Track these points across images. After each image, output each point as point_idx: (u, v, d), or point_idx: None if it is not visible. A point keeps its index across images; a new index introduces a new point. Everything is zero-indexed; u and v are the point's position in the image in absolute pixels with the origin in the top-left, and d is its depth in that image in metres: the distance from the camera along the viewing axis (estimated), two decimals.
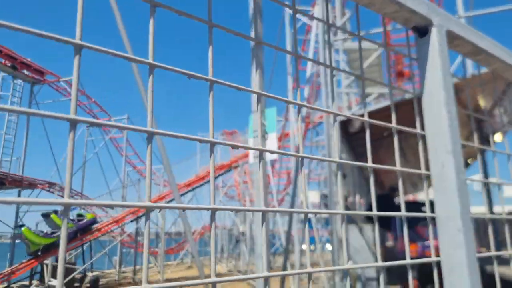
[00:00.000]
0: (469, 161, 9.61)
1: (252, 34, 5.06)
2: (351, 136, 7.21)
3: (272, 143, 4.73)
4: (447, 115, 0.84)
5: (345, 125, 6.86)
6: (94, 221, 14.12)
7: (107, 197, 18.73)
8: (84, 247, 14.85)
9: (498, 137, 6.96)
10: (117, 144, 19.45)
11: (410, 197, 14.75)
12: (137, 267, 17.22)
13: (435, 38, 0.88)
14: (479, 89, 6.93)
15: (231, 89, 0.62)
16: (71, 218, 13.40)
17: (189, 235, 4.19)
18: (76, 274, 13.41)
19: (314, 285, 11.05)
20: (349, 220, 6.31)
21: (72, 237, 13.38)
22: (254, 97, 5.00)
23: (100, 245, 17.34)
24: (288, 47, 9.69)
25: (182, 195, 19.06)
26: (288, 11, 9.82)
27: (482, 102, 7.01)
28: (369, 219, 8.38)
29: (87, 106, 17.79)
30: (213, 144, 0.56)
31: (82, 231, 13.60)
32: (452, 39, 0.96)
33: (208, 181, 17.99)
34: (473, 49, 1.02)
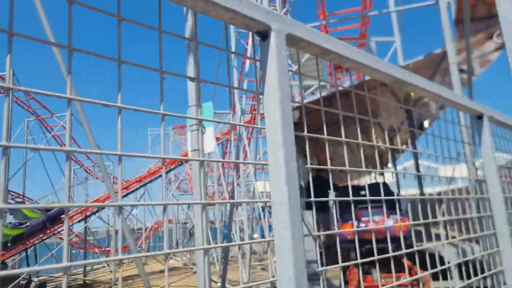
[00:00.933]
0: (404, 146, 10.26)
1: (187, 30, 5.04)
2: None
3: (209, 137, 4.77)
4: (281, 112, 0.94)
5: None
6: (62, 210, 13.69)
7: (52, 197, 17.87)
8: (28, 251, 14.10)
9: (426, 124, 7.51)
10: (61, 142, 18.49)
11: (355, 182, 15.48)
12: (87, 268, 16.63)
13: (274, 42, 0.97)
14: None
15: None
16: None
17: (126, 233, 4.16)
18: (21, 280, 12.69)
19: (264, 272, 11.30)
20: None
21: (41, 227, 13.12)
22: (191, 91, 5.00)
23: (46, 248, 16.52)
24: (233, 42, 9.72)
25: (133, 191, 18.62)
26: None
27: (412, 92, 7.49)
28: (311, 205, 8.70)
29: (26, 103, 16.71)
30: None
31: (50, 220, 13.29)
32: (297, 41, 1.06)
33: (160, 176, 17.70)
34: (320, 50, 1.14)
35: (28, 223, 12.97)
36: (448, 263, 1.82)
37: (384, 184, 8.38)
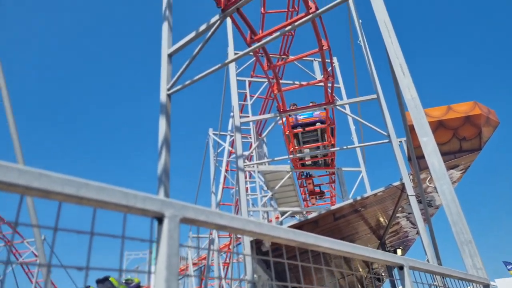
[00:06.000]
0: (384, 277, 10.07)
1: (161, 163, 5.40)
2: (265, 254, 7.34)
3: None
4: None
5: (258, 244, 7.04)
6: (139, 285, 14.49)
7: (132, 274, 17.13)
8: None
9: (399, 252, 7.51)
10: (28, 270, 17.41)
11: None
12: None
13: (166, 227, 1.16)
14: (378, 207, 7.70)
15: None
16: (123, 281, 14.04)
17: None
18: None
19: None
20: None
21: None
22: None
23: None
24: (212, 167, 10.22)
25: None
26: (212, 136, 10.67)
27: (381, 218, 7.71)
28: None
29: None
30: None
31: None
32: (192, 222, 1.26)
33: None
34: (217, 226, 1.33)
35: None
36: None
37: None
